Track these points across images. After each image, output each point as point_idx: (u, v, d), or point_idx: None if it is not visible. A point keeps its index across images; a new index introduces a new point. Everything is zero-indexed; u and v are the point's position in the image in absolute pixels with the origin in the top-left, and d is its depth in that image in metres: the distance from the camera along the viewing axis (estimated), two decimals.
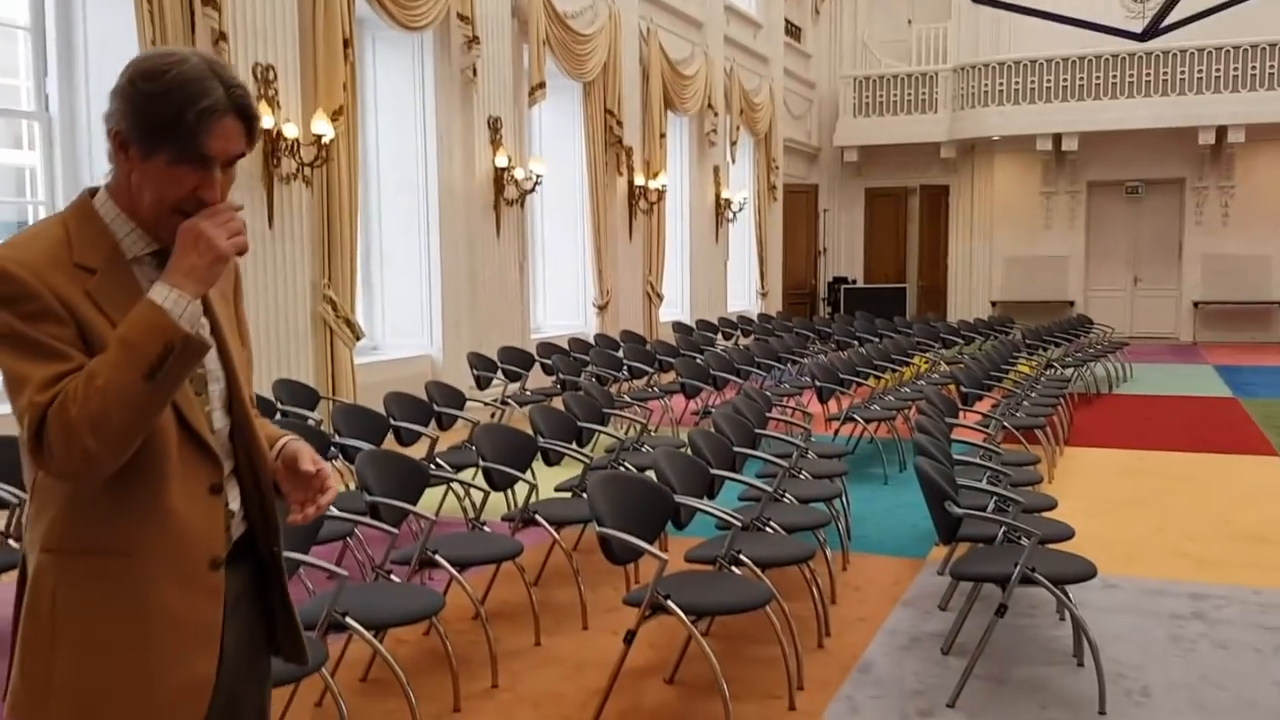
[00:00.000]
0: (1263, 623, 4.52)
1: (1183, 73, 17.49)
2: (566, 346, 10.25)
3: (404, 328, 9.66)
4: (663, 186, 13.42)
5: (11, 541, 4.28)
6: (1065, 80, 18.14)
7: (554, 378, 9.30)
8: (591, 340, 11.16)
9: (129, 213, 1.68)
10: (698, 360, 9.61)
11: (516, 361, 9.33)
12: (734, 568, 3.93)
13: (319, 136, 7.69)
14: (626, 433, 6.85)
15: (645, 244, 13.39)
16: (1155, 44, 16.41)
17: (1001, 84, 18.49)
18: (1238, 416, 10.25)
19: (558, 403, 6.51)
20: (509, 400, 8.44)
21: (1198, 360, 15.59)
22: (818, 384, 8.39)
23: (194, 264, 1.60)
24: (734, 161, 16.24)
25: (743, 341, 13.32)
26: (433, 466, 5.05)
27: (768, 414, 6.46)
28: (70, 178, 6.74)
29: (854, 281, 20.39)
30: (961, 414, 7.14)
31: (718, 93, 15.26)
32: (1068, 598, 3.91)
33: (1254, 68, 17.16)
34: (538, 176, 10.72)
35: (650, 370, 9.95)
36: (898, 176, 20.47)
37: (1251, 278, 18.37)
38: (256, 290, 7.29)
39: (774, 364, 10.64)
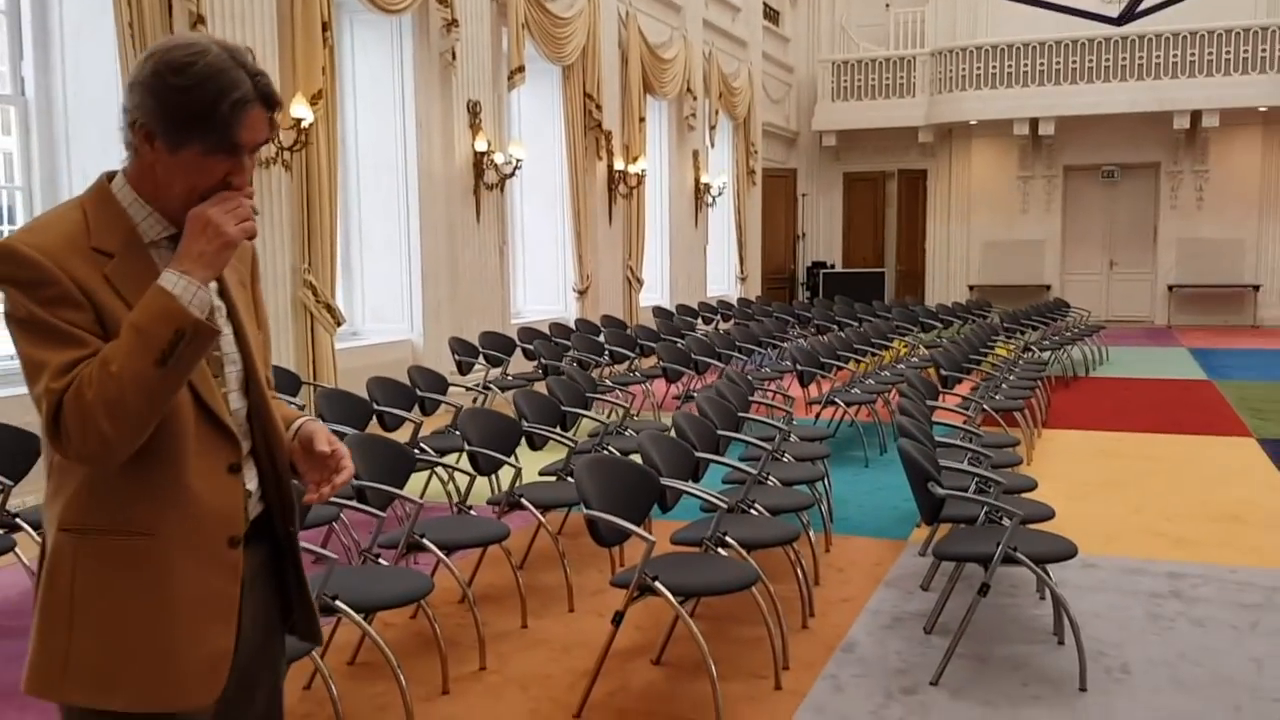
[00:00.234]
0: (1239, 601, 4.59)
1: (1158, 57, 17.61)
2: (547, 331, 10.25)
3: (384, 313, 9.63)
4: (642, 171, 13.41)
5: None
6: (1042, 65, 18.23)
7: (535, 363, 9.30)
8: (572, 325, 11.17)
9: (150, 199, 1.69)
10: (679, 345, 9.63)
11: (498, 346, 9.32)
12: (720, 549, 3.96)
13: (298, 120, 7.64)
14: (608, 417, 6.87)
15: (625, 229, 13.38)
16: (1131, 29, 16.54)
17: (979, 68, 18.57)
18: (1212, 399, 10.38)
19: (540, 388, 6.52)
20: (490, 385, 8.43)
21: (1172, 343, 15.75)
22: (799, 368, 8.43)
23: (203, 250, 1.61)
24: (713, 146, 16.24)
25: (723, 326, 13.35)
26: (417, 451, 5.04)
27: (750, 397, 6.49)
28: (47, 162, 6.68)
29: (832, 266, 20.47)
30: (941, 397, 7.20)
31: (696, 77, 15.25)
32: (1049, 577, 3.96)
33: (1228, 52, 17.30)
34: (517, 161, 10.69)
35: (631, 355, 9.96)
36: (876, 161, 20.54)
37: (1225, 261, 18.56)
38: None
39: (755, 348, 10.68)
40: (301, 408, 6.34)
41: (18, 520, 4.32)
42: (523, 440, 5.31)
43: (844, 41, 20.37)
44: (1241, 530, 5.75)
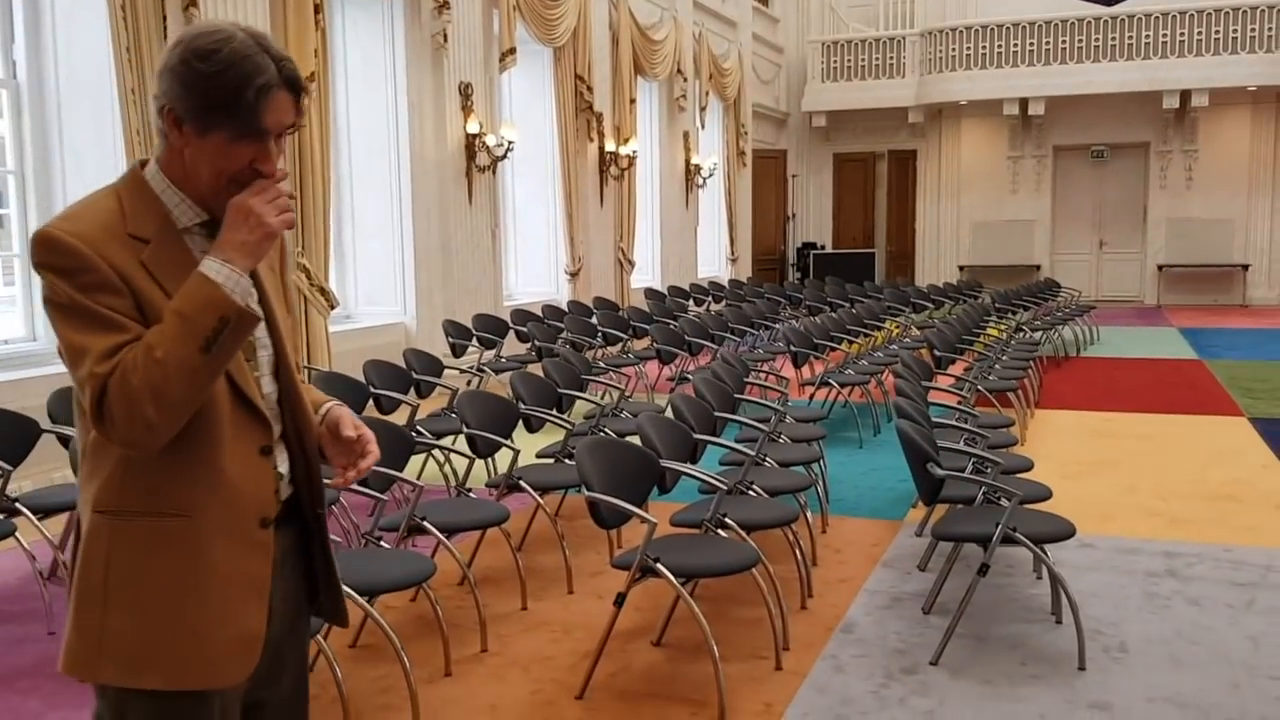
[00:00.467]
0: (1234, 579, 4.63)
1: (1148, 37, 17.61)
2: (540, 313, 10.24)
3: (377, 295, 9.60)
4: (633, 152, 13.37)
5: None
6: (1032, 45, 18.21)
7: (529, 345, 9.29)
8: (563, 307, 11.16)
9: (179, 184, 1.71)
10: (672, 327, 9.63)
11: (491, 329, 9.31)
12: (720, 531, 3.98)
13: None
14: (603, 398, 6.87)
15: (616, 210, 13.35)
16: (1121, 8, 16.55)
17: (969, 49, 18.54)
18: (1203, 378, 10.43)
19: (535, 370, 6.51)
20: (484, 368, 8.43)
21: (1162, 323, 15.82)
22: (792, 349, 8.44)
23: (244, 239, 1.63)
24: (703, 127, 16.19)
25: (714, 308, 13.35)
26: (415, 434, 5.04)
27: (745, 379, 6.50)
28: (40, 145, 6.62)
29: (823, 247, 20.47)
30: (935, 377, 7.22)
31: (687, 58, 15.19)
32: (1047, 557, 3.99)
33: (1218, 31, 17.31)
34: (509, 143, 10.65)
35: (624, 337, 9.96)
36: (866, 141, 20.52)
37: (1214, 241, 18.62)
38: None
39: (747, 330, 10.69)
40: None
41: (17, 505, 4.30)
42: (520, 422, 5.31)
43: (833, 22, 20.32)
44: (1235, 509, 5.80)
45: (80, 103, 6.65)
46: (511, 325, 9.55)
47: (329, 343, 8.17)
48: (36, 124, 6.61)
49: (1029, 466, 5.01)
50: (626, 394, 6.85)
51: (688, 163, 15.57)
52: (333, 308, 8.30)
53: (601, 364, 8.20)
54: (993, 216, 19.79)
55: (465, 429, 4.86)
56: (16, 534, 4.20)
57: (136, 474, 1.66)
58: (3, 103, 6.58)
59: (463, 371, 8.22)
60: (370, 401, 5.98)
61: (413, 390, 6.54)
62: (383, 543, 3.86)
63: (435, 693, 3.58)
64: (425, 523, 3.96)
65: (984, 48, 18.44)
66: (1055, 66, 18.09)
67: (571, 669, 3.78)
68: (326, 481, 1.90)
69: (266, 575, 1.75)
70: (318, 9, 7.80)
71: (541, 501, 4.77)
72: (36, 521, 4.30)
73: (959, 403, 6.27)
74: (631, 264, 13.64)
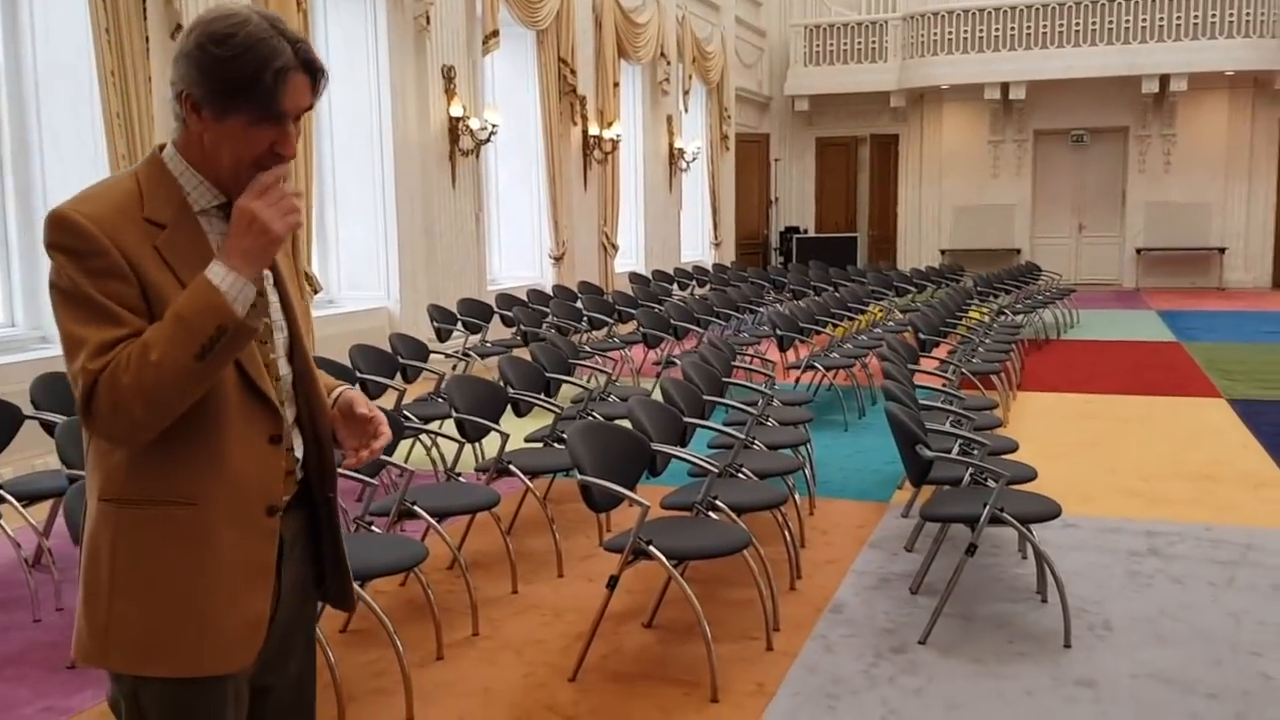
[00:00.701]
0: (1215, 557, 4.69)
1: (1128, 21, 17.68)
2: (524, 298, 10.23)
3: (360, 280, 9.56)
4: (617, 136, 13.34)
5: None
6: (1013, 29, 18.26)
7: (514, 329, 9.28)
8: (547, 291, 11.15)
9: (198, 167, 1.70)
10: (658, 311, 9.64)
11: (476, 313, 9.29)
12: (710, 513, 4.00)
13: None
14: (589, 382, 6.88)
15: (600, 194, 13.33)
16: None
17: (950, 33, 18.57)
18: (1181, 360, 10.53)
19: (521, 354, 6.51)
20: (470, 352, 8.42)
21: (1140, 306, 15.94)
22: (778, 333, 8.47)
23: (249, 246, 1.62)
24: (686, 111, 16.16)
25: (698, 292, 13.36)
26: (403, 418, 5.04)
27: (732, 363, 6.52)
28: (18, 127, 6.54)
29: (805, 231, 20.49)
30: (920, 360, 7.26)
31: (670, 41, 15.15)
32: (1033, 537, 4.03)
33: (1197, 16, 17.38)
34: (493, 126, 10.60)
35: (610, 321, 9.96)
36: (848, 126, 20.53)
37: (1192, 225, 18.75)
38: None
39: (733, 314, 10.71)
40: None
41: (1, 491, 4.28)
42: (507, 407, 5.31)
43: (816, 6, 20.30)
44: (1215, 489, 5.87)
45: (58, 85, 6.58)
46: (496, 310, 9.54)
47: (312, 327, 8.13)
48: (14, 107, 6.54)
49: (1014, 448, 5.06)
50: (613, 378, 6.86)
51: (671, 146, 15.55)
52: (315, 292, 8.26)
53: (587, 348, 8.20)
54: (974, 201, 19.86)
55: (454, 413, 4.86)
56: (0, 521, 4.17)
57: (142, 463, 1.65)
58: None
59: (448, 356, 8.21)
60: (356, 386, 5.96)
61: (399, 375, 6.53)
62: (374, 527, 3.86)
63: (427, 676, 3.59)
64: (416, 507, 3.96)
65: (965, 32, 18.47)
66: (1036, 51, 18.15)
67: (563, 651, 3.80)
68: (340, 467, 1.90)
69: (272, 561, 1.75)
70: None
71: (531, 485, 4.77)
72: (20, 508, 4.27)
73: (944, 385, 6.31)
74: (615, 248, 13.62)
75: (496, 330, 9.47)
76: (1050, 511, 3.94)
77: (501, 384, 5.49)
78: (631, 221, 14.57)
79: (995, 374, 7.66)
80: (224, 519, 1.68)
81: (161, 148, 1.73)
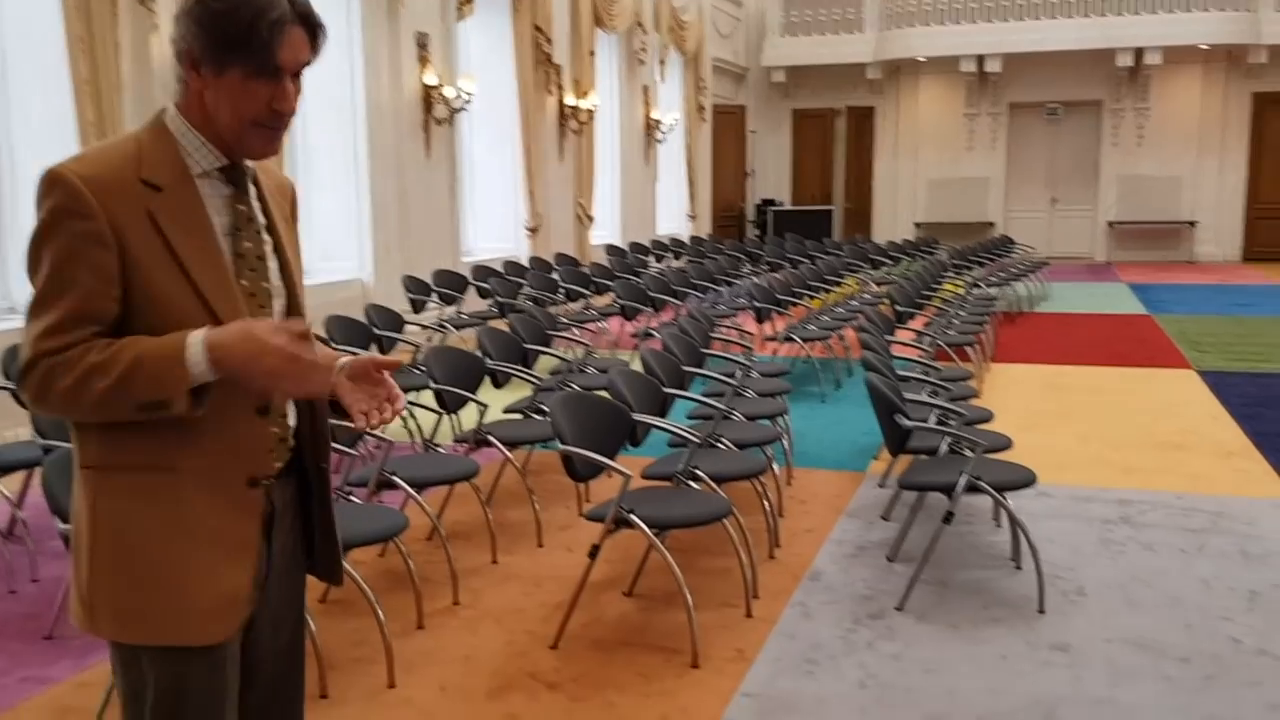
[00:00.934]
0: (1185, 525, 4.77)
1: None
2: (500, 269, 10.19)
3: (333, 251, 9.47)
4: (593, 106, 13.27)
5: None
6: (990, 1, 18.26)
7: (490, 301, 9.25)
8: (523, 263, 11.11)
9: (200, 128, 1.69)
10: (636, 282, 9.63)
11: (451, 285, 9.25)
12: (691, 483, 4.02)
13: None
14: (567, 354, 6.88)
15: (576, 165, 13.27)
16: None
17: (927, 4, 18.56)
18: (1152, 332, 10.64)
19: (499, 326, 6.49)
20: (446, 324, 8.39)
21: (1112, 279, 16.08)
22: (756, 305, 8.48)
23: (240, 369, 1.58)
24: (663, 81, 16.10)
25: (675, 264, 13.35)
26: None
27: (711, 334, 6.53)
28: None
29: (781, 204, 20.50)
30: (896, 332, 7.30)
31: (646, 10, 15.06)
32: (1008, 504, 4.08)
33: None
34: (467, 95, 10.51)
35: (587, 293, 9.95)
36: (825, 98, 20.51)
37: (1164, 198, 18.91)
38: None
39: (710, 286, 10.72)
40: None
41: None
42: (485, 378, 5.30)
43: None
44: (1185, 458, 5.95)
45: (27, 52, 6.46)
46: (472, 281, 9.50)
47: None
48: None
49: (990, 417, 5.10)
50: (591, 350, 6.85)
51: (647, 117, 15.49)
52: None
53: (564, 320, 8.19)
54: (948, 174, 19.92)
55: (433, 384, 4.84)
56: None
57: (123, 429, 1.64)
58: None
59: (424, 328, 8.18)
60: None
61: (374, 346, 6.50)
62: (352, 497, 3.86)
63: (409, 645, 3.60)
64: (395, 477, 3.96)
65: (943, 4, 18.47)
66: (1012, 23, 18.18)
67: (544, 620, 3.81)
68: (347, 425, 1.86)
69: (253, 535, 1.73)
70: None
71: (510, 456, 4.77)
72: None
73: (920, 356, 6.35)
74: (591, 220, 13.58)
75: (471, 302, 9.43)
76: (1025, 479, 3.99)
77: (480, 355, 5.47)
78: (607, 193, 14.52)
79: (970, 345, 7.71)
80: (203, 487, 1.67)
81: (165, 110, 1.72)
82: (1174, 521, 4.83)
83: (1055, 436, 6.46)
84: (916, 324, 8.22)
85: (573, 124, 13.00)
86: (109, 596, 1.67)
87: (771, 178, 21.02)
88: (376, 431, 4.04)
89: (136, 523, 1.66)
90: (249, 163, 1.78)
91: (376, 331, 6.58)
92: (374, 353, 6.18)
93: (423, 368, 5.22)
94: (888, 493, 5.13)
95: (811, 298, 9.55)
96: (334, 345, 5.98)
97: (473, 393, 4.92)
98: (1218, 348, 9.60)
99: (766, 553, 4.43)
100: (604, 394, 4.33)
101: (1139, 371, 8.59)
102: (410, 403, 5.18)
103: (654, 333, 7.67)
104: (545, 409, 4.84)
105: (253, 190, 1.78)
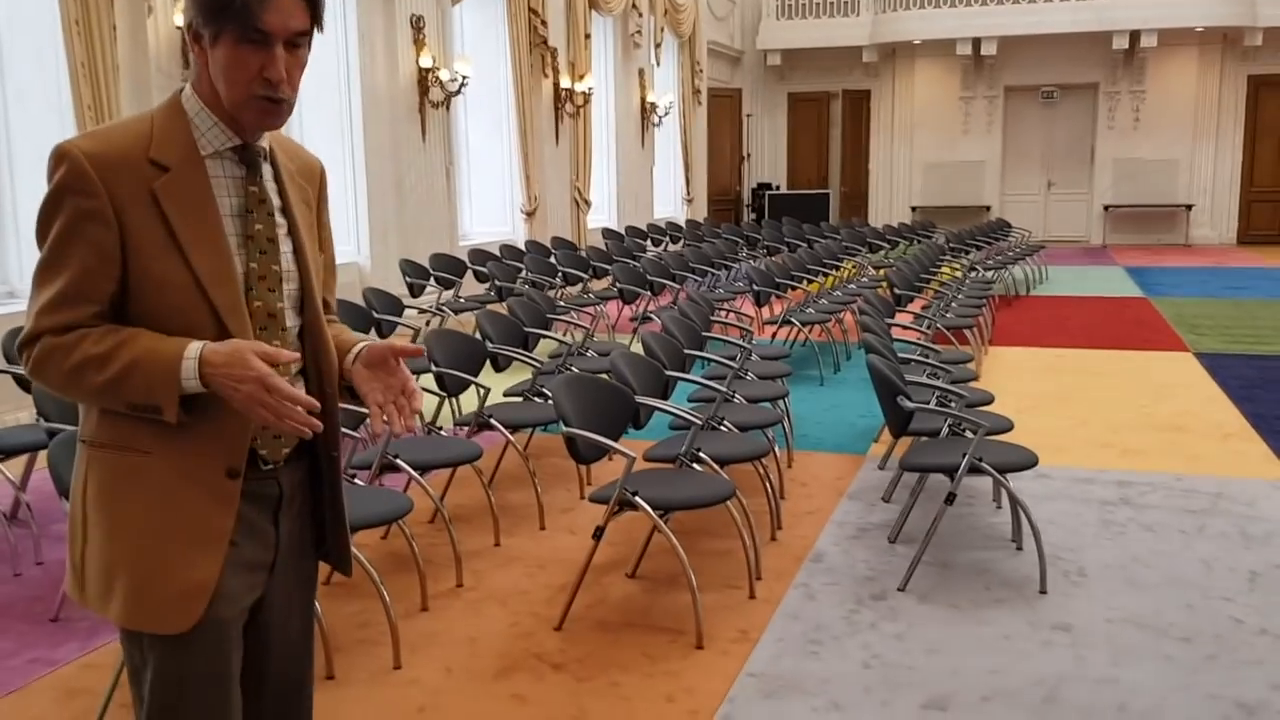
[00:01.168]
0: (1185, 506, 4.79)
1: None
2: (497, 253, 10.17)
3: None
4: (588, 90, 13.22)
5: None
6: None
7: (488, 285, 9.24)
8: (519, 247, 11.09)
9: (212, 107, 1.68)
10: (634, 266, 9.62)
11: (449, 269, 9.24)
12: (694, 465, 4.02)
13: None
14: (566, 337, 6.87)
15: (572, 149, 13.22)
16: None
17: None
18: (1149, 315, 10.66)
19: (498, 309, 6.48)
20: (444, 308, 8.38)
21: (1108, 262, 16.09)
22: (755, 288, 8.48)
23: (223, 388, 1.57)
24: (658, 64, 16.03)
25: (672, 248, 13.34)
26: None
27: (711, 318, 6.54)
28: None
29: (777, 187, 20.46)
30: (895, 315, 7.31)
31: None
32: (1010, 485, 4.09)
33: None
34: (463, 78, 10.46)
35: (584, 277, 9.93)
36: (820, 81, 20.45)
37: (1160, 181, 18.90)
38: None
39: (708, 270, 10.72)
40: None
41: None
42: (486, 361, 5.30)
43: None
44: (1184, 440, 5.97)
45: (22, 35, 6.42)
46: (470, 265, 9.48)
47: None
48: None
49: (990, 400, 5.11)
50: (590, 333, 6.85)
51: (643, 101, 15.44)
52: None
53: (563, 303, 8.18)
54: (944, 157, 19.89)
55: (434, 367, 4.84)
56: None
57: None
58: None
59: (422, 311, 8.16)
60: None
61: (373, 330, 6.49)
62: (356, 480, 3.86)
63: (413, 627, 3.61)
64: (399, 460, 3.96)
65: None
66: (1008, 6, 18.12)
67: (548, 602, 3.82)
68: (363, 411, 1.85)
69: (226, 527, 1.69)
70: None
71: (512, 439, 4.78)
72: None
73: (920, 339, 6.36)
74: (588, 203, 13.54)
75: (469, 286, 9.42)
76: (1027, 461, 4.00)
77: (480, 339, 5.47)
78: (604, 177, 14.48)
79: (968, 328, 7.72)
80: (179, 473, 1.65)
81: (183, 89, 1.71)
82: (1174, 503, 4.85)
83: (1054, 419, 6.48)
84: (915, 307, 8.23)
85: (568, 107, 12.95)
86: (96, 573, 1.69)
87: (767, 161, 20.97)
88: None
89: (119, 503, 1.66)
90: (268, 143, 1.76)
91: (376, 315, 6.57)
92: (373, 337, 6.17)
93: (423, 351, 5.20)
94: (888, 475, 5.15)
95: (810, 281, 9.55)
96: None
97: (474, 376, 4.92)
98: (1214, 330, 9.63)
99: (768, 534, 4.45)
100: (604, 377, 4.33)
101: (1136, 354, 8.61)
102: None
103: (652, 316, 7.67)
104: (546, 392, 4.85)
105: (269, 171, 1.76)
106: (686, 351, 5.17)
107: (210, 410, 1.64)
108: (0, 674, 3.30)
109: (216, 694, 1.71)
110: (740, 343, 5.88)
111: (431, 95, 10.10)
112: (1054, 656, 3.37)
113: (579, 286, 9.93)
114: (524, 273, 9.36)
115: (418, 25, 9.89)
